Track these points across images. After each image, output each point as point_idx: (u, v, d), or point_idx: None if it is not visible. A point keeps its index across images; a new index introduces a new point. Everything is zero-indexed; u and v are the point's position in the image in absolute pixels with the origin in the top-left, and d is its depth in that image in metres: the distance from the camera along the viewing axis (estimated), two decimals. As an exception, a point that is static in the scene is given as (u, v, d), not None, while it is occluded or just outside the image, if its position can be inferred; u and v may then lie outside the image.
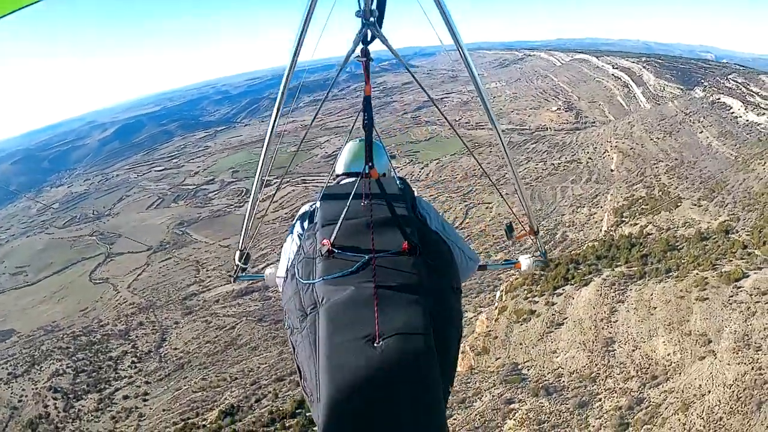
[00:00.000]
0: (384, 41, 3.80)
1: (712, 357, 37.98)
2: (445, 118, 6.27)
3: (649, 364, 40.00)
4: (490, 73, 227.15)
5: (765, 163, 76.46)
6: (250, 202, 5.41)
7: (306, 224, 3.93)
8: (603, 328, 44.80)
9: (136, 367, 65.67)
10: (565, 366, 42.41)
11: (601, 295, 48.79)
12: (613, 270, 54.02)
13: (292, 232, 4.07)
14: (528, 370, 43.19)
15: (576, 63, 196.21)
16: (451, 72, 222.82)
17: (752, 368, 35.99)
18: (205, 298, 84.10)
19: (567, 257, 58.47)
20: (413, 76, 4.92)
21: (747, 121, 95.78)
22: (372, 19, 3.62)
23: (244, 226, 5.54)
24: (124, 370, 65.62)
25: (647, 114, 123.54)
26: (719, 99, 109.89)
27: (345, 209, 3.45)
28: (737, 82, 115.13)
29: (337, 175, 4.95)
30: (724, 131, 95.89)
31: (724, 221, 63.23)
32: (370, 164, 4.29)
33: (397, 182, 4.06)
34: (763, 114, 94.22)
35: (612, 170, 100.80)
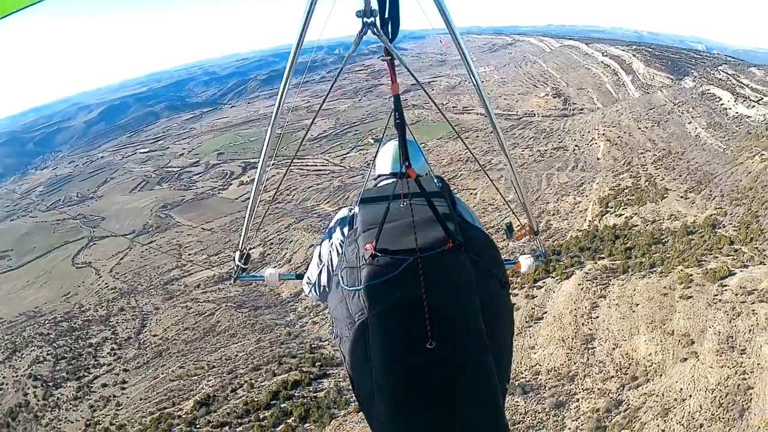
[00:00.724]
0: (385, 42, 3.59)
1: (694, 359, 37.14)
2: (437, 107, 6.22)
3: (630, 364, 39.07)
4: (480, 58, 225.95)
5: (754, 156, 75.24)
6: (250, 203, 5.22)
7: (346, 230, 3.85)
8: (583, 324, 43.85)
9: (115, 354, 63.90)
10: (543, 363, 41.46)
11: (582, 289, 47.81)
12: (596, 263, 53.03)
13: (329, 238, 4.01)
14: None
15: (566, 49, 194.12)
16: (439, 55, 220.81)
17: (736, 372, 35.29)
18: (186, 283, 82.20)
19: (550, 248, 56.58)
20: (414, 77, 4.56)
21: (736, 113, 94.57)
22: (372, 18, 3.48)
23: (244, 227, 5.42)
24: (103, 357, 63.84)
25: (636, 103, 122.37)
26: (709, 90, 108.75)
27: (385, 212, 3.27)
28: (727, 73, 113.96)
29: (376, 177, 4.81)
30: (713, 122, 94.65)
31: (711, 215, 62.03)
32: (407, 164, 3.78)
33: (435, 181, 4.06)
34: (753, 106, 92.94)
35: (598, 158, 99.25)
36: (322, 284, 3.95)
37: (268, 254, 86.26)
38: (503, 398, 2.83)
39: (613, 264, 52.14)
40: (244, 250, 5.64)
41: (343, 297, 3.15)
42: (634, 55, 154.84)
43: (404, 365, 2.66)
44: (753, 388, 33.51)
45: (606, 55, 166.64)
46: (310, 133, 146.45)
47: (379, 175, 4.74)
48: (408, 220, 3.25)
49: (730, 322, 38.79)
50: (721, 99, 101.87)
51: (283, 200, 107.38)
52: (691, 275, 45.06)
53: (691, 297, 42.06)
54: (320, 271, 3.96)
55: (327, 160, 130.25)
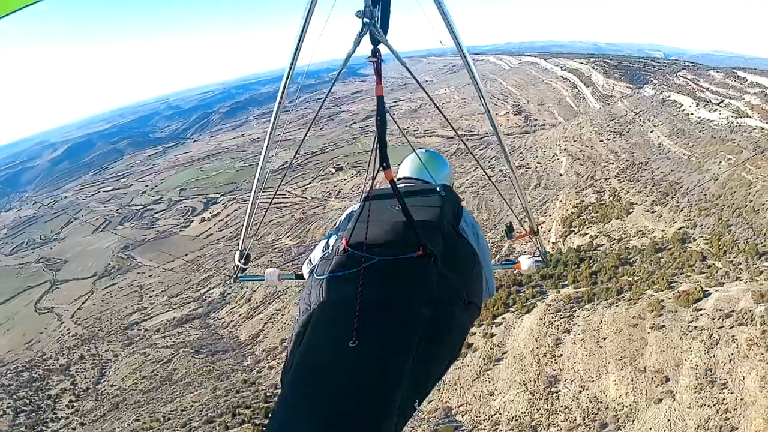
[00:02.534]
0: (385, 42, 3.40)
1: (670, 399, 33.40)
2: (443, 116, 5.80)
3: (598, 409, 35.28)
4: (440, 79, 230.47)
5: (720, 162, 72.72)
6: (250, 203, 5.34)
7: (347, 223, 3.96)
8: (546, 365, 40.17)
9: (73, 406, 62.33)
10: (504, 411, 37.67)
11: (545, 323, 44.30)
12: (559, 292, 49.54)
13: (337, 230, 4.08)
14: (462, 416, 38.63)
15: (525, 66, 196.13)
16: (400, 80, 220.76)
17: (717, 411, 31.74)
18: (147, 327, 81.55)
19: (509, 278, 53.01)
20: (414, 77, 4.50)
21: (699, 118, 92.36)
22: (373, 19, 3.32)
23: (244, 227, 5.56)
24: (61, 409, 62.23)
25: (596, 115, 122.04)
26: (669, 97, 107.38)
27: (361, 210, 3.58)
28: (687, 78, 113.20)
29: (398, 179, 4.75)
30: (675, 129, 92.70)
31: (680, 228, 59.25)
32: (384, 165, 3.55)
33: (441, 191, 4.09)
34: (715, 110, 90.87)
35: (561, 174, 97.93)
36: None
37: (228, 293, 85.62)
38: (407, 416, 2.65)
39: (577, 292, 48.62)
40: (244, 251, 5.83)
41: (310, 284, 3.21)
42: (592, 67, 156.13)
43: (319, 356, 2.63)
44: (737, 428, 29.93)
45: (565, 69, 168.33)
46: (271, 165, 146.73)
47: (401, 178, 4.77)
48: (394, 221, 3.41)
49: (708, 352, 35.02)
50: (682, 105, 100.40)
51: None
52: (662, 300, 41.58)
53: (663, 326, 38.31)
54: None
55: (289, 191, 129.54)
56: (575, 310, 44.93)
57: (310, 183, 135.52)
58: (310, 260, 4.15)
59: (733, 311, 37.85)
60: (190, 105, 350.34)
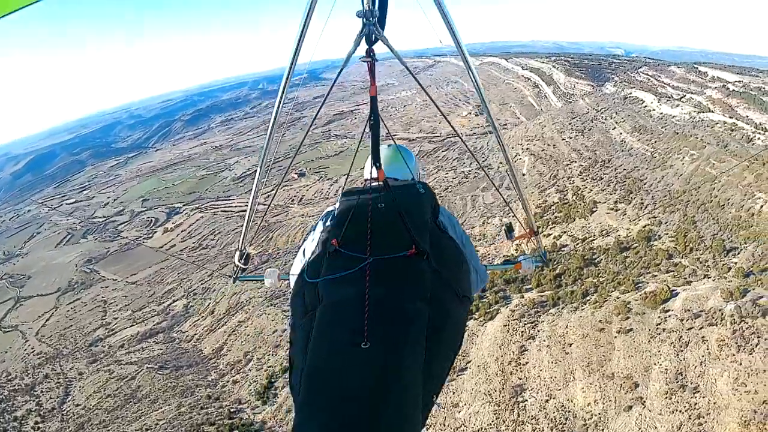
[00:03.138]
0: (386, 42, 3.64)
1: (640, 405, 32.19)
2: (442, 114, 5.99)
3: (566, 418, 33.92)
4: (401, 82, 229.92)
5: (683, 158, 72.31)
6: (250, 203, 5.52)
7: (326, 224, 3.81)
8: (512, 373, 38.88)
9: (39, 428, 60.33)
10: (469, 424, 36.16)
11: (509, 330, 43.13)
12: (523, 296, 48.35)
13: (313, 232, 4.00)
14: (426, 430, 35.97)
15: (486, 66, 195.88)
16: (362, 83, 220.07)
17: (689, 417, 30.51)
18: (111, 342, 79.22)
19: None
20: (414, 78, 4.84)
21: (661, 113, 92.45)
22: (373, 19, 3.50)
23: (244, 227, 5.76)
24: None
25: (558, 113, 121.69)
26: (631, 93, 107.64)
27: (353, 210, 3.50)
28: (648, 75, 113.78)
29: (365, 181, 4.54)
30: (637, 126, 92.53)
31: (645, 226, 58.20)
32: (378, 164, 3.86)
33: (419, 188, 4.00)
34: (677, 105, 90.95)
35: (524, 174, 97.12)
36: None
37: (191, 306, 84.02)
38: (428, 410, 2.62)
39: (542, 296, 47.46)
40: (244, 251, 6.07)
41: (302, 287, 3.19)
42: (554, 66, 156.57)
43: (332, 361, 2.54)
44: (710, 434, 28.64)
45: (526, 69, 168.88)
46: (233, 173, 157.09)
47: (365, 180, 4.53)
48: (380, 220, 3.33)
49: (678, 355, 33.82)
50: (644, 101, 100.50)
51: (207, 245, 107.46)
52: (629, 302, 40.44)
53: (630, 330, 37.08)
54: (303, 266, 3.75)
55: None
56: (540, 316, 43.75)
57: (271, 190, 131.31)
58: (292, 273, 3.93)
59: (702, 311, 36.87)
60: (153, 113, 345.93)
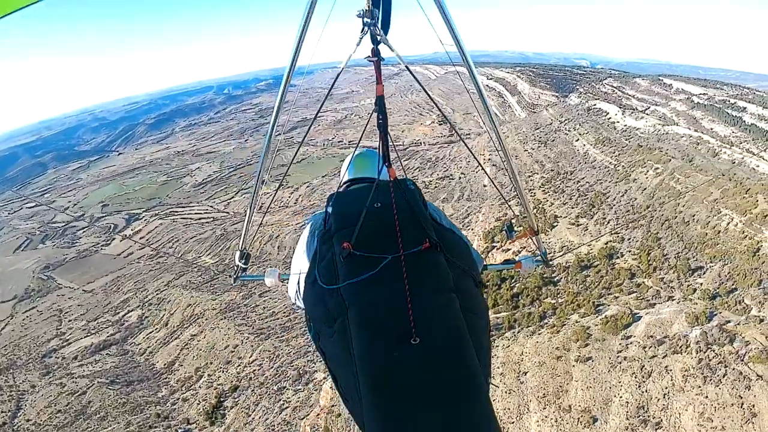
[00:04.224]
0: (386, 43, 3.69)
1: None
2: (443, 115, 10.38)
3: None
4: (366, 89, 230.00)
5: (647, 171, 71.10)
6: (250, 203, 5.44)
7: (320, 230, 3.77)
8: None
9: None
10: None
11: None
12: None
13: (304, 243, 4.00)
14: None
15: (450, 75, 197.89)
16: (325, 92, 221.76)
17: None
18: (65, 354, 77.58)
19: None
20: (414, 77, 4.83)
21: (625, 126, 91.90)
22: (374, 20, 3.57)
23: (244, 227, 5.63)
24: None
25: (521, 123, 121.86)
26: (595, 105, 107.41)
27: (364, 210, 3.42)
28: (612, 86, 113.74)
29: (344, 183, 4.74)
30: (601, 138, 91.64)
31: (607, 243, 56.25)
32: (388, 164, 4.16)
33: (409, 184, 3.93)
34: (642, 118, 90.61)
35: (485, 185, 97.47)
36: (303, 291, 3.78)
37: (146, 317, 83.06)
38: (488, 391, 2.69)
39: (497, 318, 44.99)
40: (245, 250, 5.83)
41: (321, 295, 3.13)
42: (518, 76, 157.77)
43: (389, 361, 2.55)
44: (675, 473, 26.39)
45: (491, 78, 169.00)
46: (194, 179, 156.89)
47: (348, 181, 4.69)
48: (382, 220, 3.31)
49: (640, 386, 31.16)
50: (608, 113, 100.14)
51: (165, 253, 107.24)
52: (589, 328, 37.95)
53: (590, 358, 34.51)
54: (299, 280, 3.86)
55: (211, 206, 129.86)
56: (494, 340, 40.89)
57: (232, 197, 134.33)
58: (289, 288, 4.06)
59: (666, 337, 34.55)
60: (117, 116, 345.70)
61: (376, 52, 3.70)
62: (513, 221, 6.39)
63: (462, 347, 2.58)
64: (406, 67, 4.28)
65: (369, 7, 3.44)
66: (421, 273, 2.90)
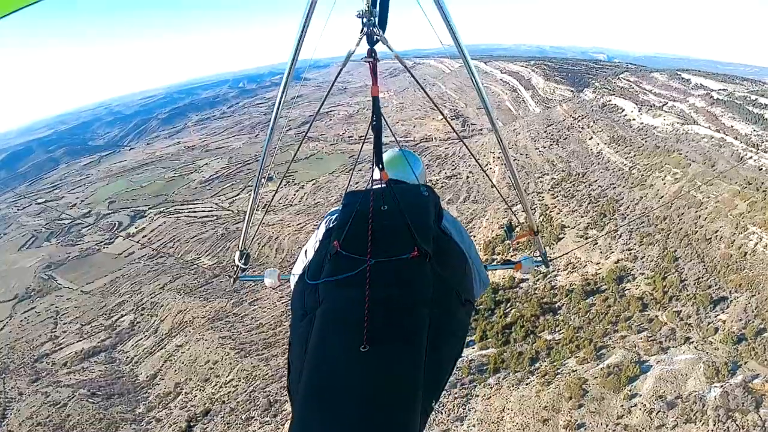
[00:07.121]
0: (385, 42, 3.74)
1: None
2: (443, 115, 6.28)
3: None
4: (380, 83, 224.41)
5: (665, 176, 65.29)
6: (250, 202, 5.51)
7: (329, 225, 3.86)
8: None
9: None
10: None
11: (433, 409, 33.20)
12: (461, 357, 38.43)
13: (317, 231, 4.03)
14: None
15: (465, 69, 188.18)
16: (340, 84, 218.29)
17: None
18: (55, 359, 74.22)
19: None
20: (414, 77, 5.11)
21: (641, 124, 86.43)
22: (373, 19, 3.62)
23: (245, 226, 5.68)
24: None
25: (534, 120, 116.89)
26: (610, 101, 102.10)
27: (354, 212, 3.48)
28: (629, 81, 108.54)
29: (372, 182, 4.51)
30: (616, 136, 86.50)
31: (617, 261, 50.75)
32: (380, 166, 4.04)
33: (423, 191, 4.06)
34: (660, 115, 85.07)
35: (493, 186, 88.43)
36: None
37: (138, 322, 79.11)
38: (426, 416, 2.59)
39: (483, 355, 39.90)
40: (245, 250, 5.88)
41: (303, 289, 3.20)
42: (533, 70, 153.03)
43: (332, 364, 2.58)
44: None
45: (505, 72, 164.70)
46: (201, 176, 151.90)
47: (373, 180, 4.45)
48: (382, 222, 3.33)
49: (642, 471, 25.24)
50: (623, 110, 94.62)
51: (165, 253, 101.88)
52: (586, 381, 32.35)
53: (582, 426, 28.79)
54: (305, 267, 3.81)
55: (216, 204, 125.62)
56: (475, 387, 35.84)
57: (238, 195, 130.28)
58: (294, 273, 3.94)
59: (678, 397, 28.97)
60: (132, 110, 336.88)
61: (372, 53, 3.70)
62: (512, 221, 6.20)
63: (411, 366, 2.50)
64: (404, 66, 4.49)
65: (368, 7, 3.44)
66: (400, 282, 2.86)
